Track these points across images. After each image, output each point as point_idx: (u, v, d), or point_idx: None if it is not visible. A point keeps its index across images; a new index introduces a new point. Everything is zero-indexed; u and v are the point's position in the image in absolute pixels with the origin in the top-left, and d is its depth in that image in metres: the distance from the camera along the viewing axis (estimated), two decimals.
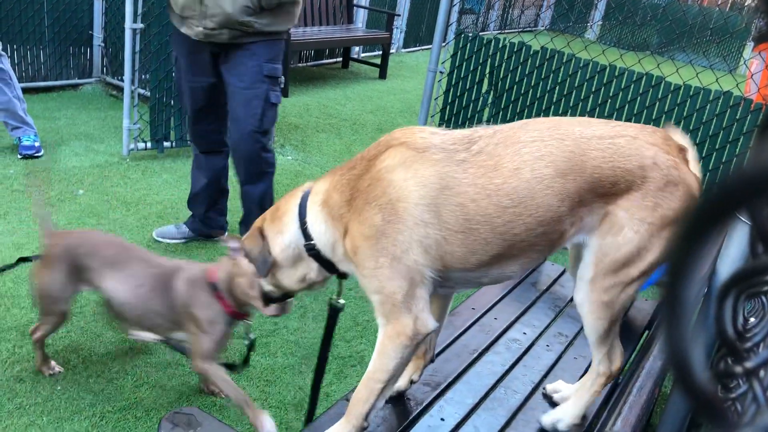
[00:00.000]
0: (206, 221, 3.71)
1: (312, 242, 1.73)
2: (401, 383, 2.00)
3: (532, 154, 1.61)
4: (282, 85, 3.32)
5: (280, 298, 2.00)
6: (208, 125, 3.44)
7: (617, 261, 1.67)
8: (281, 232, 1.78)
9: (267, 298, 2.01)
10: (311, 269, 1.80)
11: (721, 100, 4.02)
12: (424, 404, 1.98)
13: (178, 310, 2.27)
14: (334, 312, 2.02)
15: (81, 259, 2.36)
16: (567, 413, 1.94)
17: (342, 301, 2.00)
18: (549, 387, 2.17)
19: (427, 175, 1.58)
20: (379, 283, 1.61)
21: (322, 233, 1.72)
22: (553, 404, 2.07)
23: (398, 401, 1.99)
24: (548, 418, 1.96)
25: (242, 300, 2.17)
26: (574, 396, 1.97)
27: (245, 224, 3.62)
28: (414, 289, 1.61)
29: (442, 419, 1.93)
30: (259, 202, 3.40)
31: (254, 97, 3.17)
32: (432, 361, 2.09)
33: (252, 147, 3.26)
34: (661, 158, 1.62)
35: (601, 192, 1.63)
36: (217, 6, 2.99)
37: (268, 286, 1.94)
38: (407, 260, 1.58)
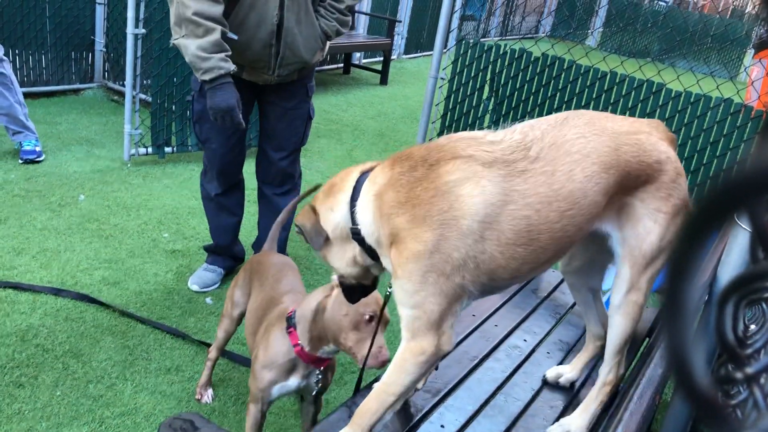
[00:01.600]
0: (234, 255, 3.56)
1: (358, 227, 1.66)
2: None
3: (580, 152, 1.61)
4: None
5: (355, 286, 1.82)
6: (237, 156, 3.23)
7: (646, 255, 1.72)
8: (332, 210, 1.71)
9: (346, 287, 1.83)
10: (358, 252, 1.71)
11: (721, 107, 4.02)
12: (424, 411, 1.98)
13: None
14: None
15: (251, 274, 2.40)
16: (574, 424, 1.94)
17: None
18: (550, 375, 2.19)
19: (494, 192, 1.52)
20: (419, 300, 1.54)
21: (368, 224, 1.64)
22: (557, 410, 2.06)
23: (399, 408, 1.98)
24: (555, 428, 1.96)
25: (326, 335, 1.90)
26: (582, 407, 1.97)
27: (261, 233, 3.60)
28: (452, 306, 1.56)
29: (442, 426, 1.92)
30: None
31: (298, 117, 3.19)
32: (436, 368, 2.09)
33: (290, 163, 3.31)
34: (671, 152, 1.73)
35: (625, 185, 1.67)
36: (294, 56, 2.93)
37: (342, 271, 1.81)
38: (457, 278, 1.53)
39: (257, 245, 3.51)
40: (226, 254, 3.49)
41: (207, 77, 2.67)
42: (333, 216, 1.70)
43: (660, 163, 1.69)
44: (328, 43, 3.10)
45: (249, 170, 3.40)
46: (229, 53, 2.70)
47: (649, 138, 1.71)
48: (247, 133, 3.46)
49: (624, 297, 1.78)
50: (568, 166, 1.58)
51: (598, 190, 1.61)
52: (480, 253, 1.52)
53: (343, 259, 1.74)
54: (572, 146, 1.62)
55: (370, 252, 1.68)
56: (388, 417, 1.69)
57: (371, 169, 1.68)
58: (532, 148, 1.60)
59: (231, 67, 2.68)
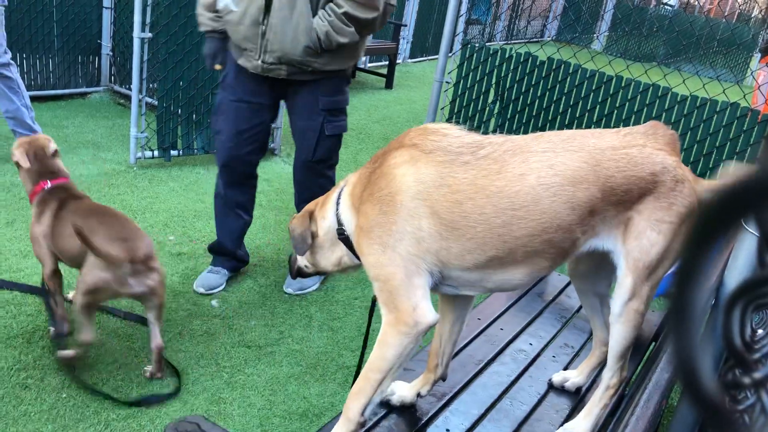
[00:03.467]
0: (238, 258, 3.55)
1: (342, 227, 1.87)
2: (408, 395, 1.99)
3: (541, 162, 1.64)
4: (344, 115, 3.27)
5: (311, 274, 2.13)
6: (244, 147, 3.20)
7: (650, 265, 1.74)
8: (324, 217, 1.93)
9: (300, 272, 2.12)
10: (345, 253, 1.92)
11: (727, 111, 4.01)
12: (430, 415, 1.97)
13: None
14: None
15: None
16: (578, 428, 1.94)
17: None
18: (556, 379, 2.19)
19: (427, 173, 1.66)
20: (375, 271, 1.70)
21: (348, 221, 1.85)
22: (563, 414, 2.05)
23: (404, 412, 1.98)
24: None
25: None
26: (585, 410, 1.97)
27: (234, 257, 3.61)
28: (411, 278, 1.66)
29: (448, 430, 1.92)
30: None
31: (309, 129, 3.17)
32: (443, 379, 2.07)
33: (305, 175, 3.31)
34: (668, 161, 1.71)
35: (614, 200, 1.68)
36: (277, 42, 2.89)
37: (304, 262, 2.05)
38: (400, 249, 1.66)
39: None
40: (230, 256, 3.49)
41: (201, 29, 3.22)
42: (324, 222, 1.93)
43: (655, 174, 1.69)
44: (329, 54, 2.95)
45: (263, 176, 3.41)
46: (220, 16, 3.04)
47: (641, 151, 1.70)
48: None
49: (625, 305, 1.79)
50: (519, 169, 1.63)
51: (558, 201, 1.62)
52: (417, 229, 1.65)
53: (330, 259, 1.97)
54: (533, 156, 1.65)
55: (354, 251, 1.86)
56: (377, 399, 1.74)
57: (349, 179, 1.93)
58: (485, 148, 1.68)
59: (215, 25, 3.11)
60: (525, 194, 1.61)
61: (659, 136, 1.78)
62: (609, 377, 1.92)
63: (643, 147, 1.72)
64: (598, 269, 2.02)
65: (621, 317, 1.80)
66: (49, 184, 2.74)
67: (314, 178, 3.30)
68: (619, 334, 1.83)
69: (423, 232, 1.65)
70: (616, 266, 1.79)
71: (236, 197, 3.38)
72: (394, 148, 1.75)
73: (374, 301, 2.00)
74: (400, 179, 1.67)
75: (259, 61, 2.97)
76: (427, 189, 1.65)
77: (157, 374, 2.65)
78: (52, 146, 2.84)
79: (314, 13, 2.88)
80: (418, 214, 1.64)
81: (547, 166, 1.63)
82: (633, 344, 1.87)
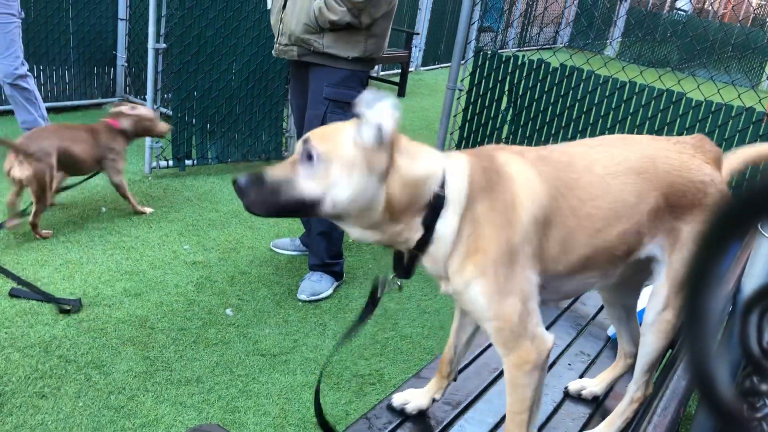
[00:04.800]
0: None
1: (443, 195, 1.45)
2: (423, 402, 1.98)
3: (602, 153, 1.63)
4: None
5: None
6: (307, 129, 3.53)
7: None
8: (418, 158, 1.48)
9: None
10: (408, 228, 1.45)
11: (743, 116, 3.98)
12: (444, 423, 1.97)
13: None
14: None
15: None
16: None
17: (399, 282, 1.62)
18: (573, 387, 2.18)
19: (534, 176, 1.52)
20: (493, 308, 1.47)
21: (456, 205, 1.46)
22: (579, 422, 2.04)
23: (419, 420, 1.97)
24: None
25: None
26: (607, 422, 1.96)
27: (306, 230, 3.85)
28: (527, 304, 1.50)
29: None
30: (316, 219, 3.47)
31: (314, 118, 3.28)
32: (455, 379, 2.07)
33: None
34: (716, 176, 1.72)
35: (672, 201, 1.66)
36: (289, 22, 3.25)
37: (311, 188, 1.39)
38: (518, 271, 1.47)
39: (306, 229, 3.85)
40: (308, 232, 3.79)
41: None
42: (420, 165, 1.50)
43: (705, 184, 1.68)
44: (328, 34, 3.16)
45: None
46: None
47: (692, 159, 1.71)
48: None
49: (658, 315, 1.77)
50: (585, 162, 1.61)
51: (626, 190, 1.61)
52: (535, 241, 1.50)
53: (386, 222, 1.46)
54: (592, 149, 1.65)
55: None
56: (534, 430, 1.66)
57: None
58: (545, 149, 1.64)
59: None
60: (597, 184, 1.58)
61: (706, 150, 1.77)
62: (634, 390, 1.90)
63: (693, 156, 1.72)
64: (628, 282, 1.99)
65: (653, 326, 1.78)
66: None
67: None
68: (650, 344, 1.81)
69: (535, 243, 1.50)
70: (653, 274, 1.77)
71: None
72: (492, 151, 1.55)
73: (374, 294, 1.64)
74: (518, 189, 1.48)
75: (278, 44, 3.37)
76: (540, 196, 1.50)
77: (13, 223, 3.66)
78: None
79: None
80: (537, 222, 1.49)
81: (609, 157, 1.62)
82: (662, 358, 1.85)
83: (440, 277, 1.53)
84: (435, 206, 1.43)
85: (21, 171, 3.50)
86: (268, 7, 3.44)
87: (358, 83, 3.30)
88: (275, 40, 3.40)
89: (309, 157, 1.37)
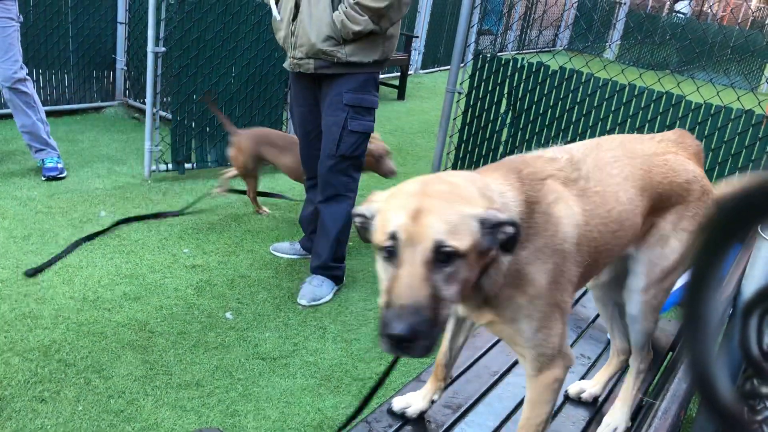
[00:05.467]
0: (312, 241, 3.78)
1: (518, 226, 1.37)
2: (424, 405, 1.98)
3: (620, 176, 1.65)
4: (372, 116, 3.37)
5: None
6: (314, 150, 3.51)
7: (666, 270, 1.78)
8: (506, 197, 1.47)
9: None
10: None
11: (742, 119, 3.98)
12: (445, 427, 1.96)
13: None
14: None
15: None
16: (618, 419, 2.00)
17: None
18: (572, 390, 2.19)
19: (577, 213, 1.52)
20: (539, 336, 1.49)
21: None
22: (579, 426, 2.03)
23: (419, 423, 1.97)
24: (603, 429, 2.00)
25: None
26: (620, 400, 2.03)
27: (310, 239, 3.83)
28: (565, 326, 1.53)
29: None
30: (328, 222, 3.48)
31: (333, 124, 3.29)
32: (451, 381, 2.08)
33: (328, 170, 3.38)
34: (698, 171, 1.76)
35: (658, 206, 1.72)
36: (304, 36, 3.17)
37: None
38: (560, 302, 1.50)
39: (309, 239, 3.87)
40: (308, 236, 3.86)
41: None
42: (511, 205, 1.51)
43: (689, 182, 1.72)
44: (351, 44, 3.14)
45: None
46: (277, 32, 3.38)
47: (676, 158, 1.74)
48: None
49: (639, 304, 1.83)
50: (612, 188, 1.62)
51: (638, 212, 1.66)
52: (575, 271, 1.54)
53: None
54: (611, 168, 1.66)
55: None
56: None
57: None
58: (581, 169, 1.59)
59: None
60: (623, 212, 1.62)
61: (687, 145, 1.81)
62: (638, 363, 1.99)
63: (676, 154, 1.75)
64: (619, 279, 2.01)
65: (638, 316, 1.85)
66: None
67: (338, 176, 3.39)
68: (638, 329, 1.89)
69: (575, 272, 1.53)
70: (629, 265, 1.82)
71: (310, 191, 3.75)
72: (540, 178, 1.51)
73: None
74: (563, 225, 1.48)
75: (292, 58, 3.29)
76: (580, 231, 1.51)
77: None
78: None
79: (335, 9, 3.13)
80: (577, 257, 1.51)
81: (624, 179, 1.65)
82: (653, 332, 1.93)
83: (475, 308, 1.50)
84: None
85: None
86: (277, 19, 3.31)
87: (373, 86, 3.34)
88: (288, 54, 3.32)
89: (445, 258, 1.23)
